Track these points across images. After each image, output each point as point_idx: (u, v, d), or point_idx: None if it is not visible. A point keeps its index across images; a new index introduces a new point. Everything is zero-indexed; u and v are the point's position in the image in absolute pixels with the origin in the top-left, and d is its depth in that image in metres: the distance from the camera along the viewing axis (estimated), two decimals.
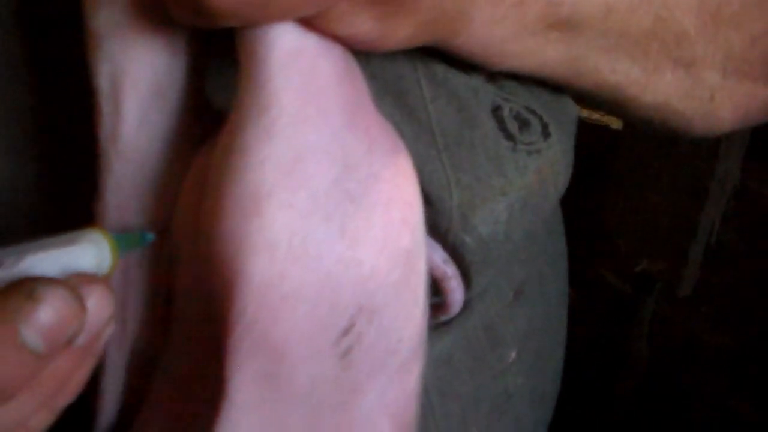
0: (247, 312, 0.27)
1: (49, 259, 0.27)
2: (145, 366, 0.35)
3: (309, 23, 0.29)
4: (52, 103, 0.39)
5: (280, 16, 0.28)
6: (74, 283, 0.26)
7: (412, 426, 0.33)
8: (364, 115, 0.30)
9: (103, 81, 0.31)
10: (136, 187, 0.32)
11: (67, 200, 0.36)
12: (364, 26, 0.30)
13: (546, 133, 0.42)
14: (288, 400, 0.29)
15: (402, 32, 0.31)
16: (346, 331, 0.29)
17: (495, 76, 0.41)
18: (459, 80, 0.40)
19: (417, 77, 0.39)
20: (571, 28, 0.37)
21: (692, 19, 0.39)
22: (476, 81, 0.41)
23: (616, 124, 1.14)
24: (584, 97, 0.43)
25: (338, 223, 0.28)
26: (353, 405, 0.30)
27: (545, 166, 0.42)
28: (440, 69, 0.39)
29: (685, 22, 0.39)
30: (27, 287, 0.25)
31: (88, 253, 0.29)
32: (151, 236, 0.32)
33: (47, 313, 0.25)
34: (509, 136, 0.41)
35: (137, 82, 0.31)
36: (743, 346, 1.15)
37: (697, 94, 0.42)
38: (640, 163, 1.06)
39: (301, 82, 0.28)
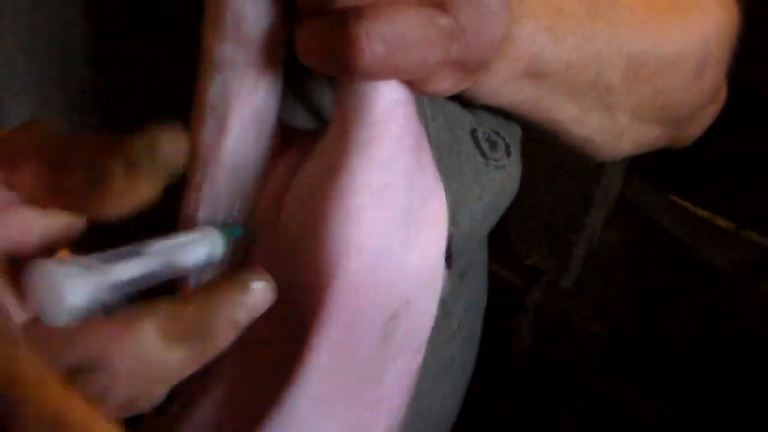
0: (341, 298, 0.33)
1: (185, 250, 0.33)
2: None
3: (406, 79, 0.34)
4: (118, 103, 0.43)
5: (397, 77, 0.33)
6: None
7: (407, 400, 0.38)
8: (422, 149, 0.35)
9: (213, 98, 0.35)
10: (228, 188, 0.36)
11: None
12: (446, 85, 0.35)
13: (508, 152, 0.50)
14: (345, 366, 0.34)
15: (464, 86, 0.36)
16: (393, 317, 0.34)
17: (469, 105, 0.48)
18: (449, 106, 0.47)
19: (422, 101, 0.45)
20: (541, 77, 0.43)
21: (619, 76, 0.46)
22: (457, 108, 0.48)
23: None
24: (528, 126, 0.51)
25: (404, 234, 0.34)
26: (382, 377, 0.36)
27: (507, 179, 0.50)
28: (438, 97, 0.45)
29: (614, 78, 0.46)
30: (243, 279, 0.31)
31: (218, 242, 0.34)
32: (239, 231, 0.36)
33: (255, 302, 0.31)
34: (483, 154, 0.48)
35: (244, 105, 0.35)
36: (614, 333, 1.24)
37: (611, 130, 0.50)
38: (537, 172, 1.09)
39: (397, 126, 0.33)
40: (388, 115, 0.33)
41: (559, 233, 1.18)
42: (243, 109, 0.35)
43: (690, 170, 1.16)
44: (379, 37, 0.30)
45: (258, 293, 0.31)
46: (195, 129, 0.36)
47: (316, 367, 0.33)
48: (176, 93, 0.38)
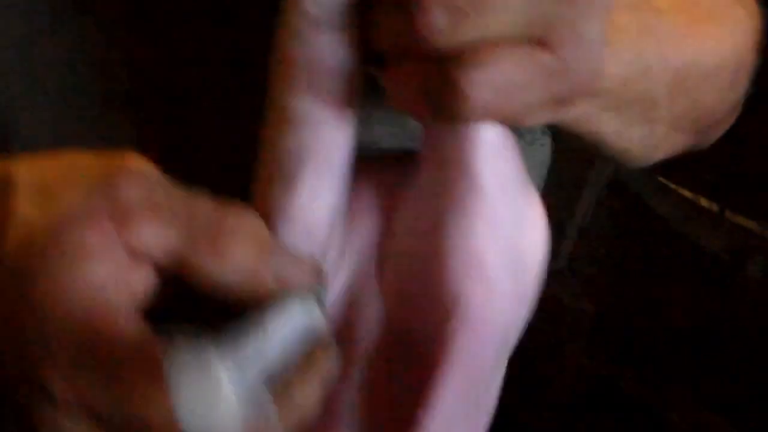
0: (464, 339, 0.34)
1: (292, 327, 0.32)
2: None
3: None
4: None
5: (500, 119, 0.32)
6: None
7: None
8: (521, 182, 0.36)
9: (284, 154, 0.34)
10: (304, 245, 0.35)
11: None
12: (543, 119, 0.34)
13: (544, 131, 0.50)
14: (468, 393, 0.35)
15: (559, 118, 0.36)
16: (505, 342, 0.36)
17: None
18: None
19: None
20: (595, 93, 0.42)
21: (664, 89, 0.44)
22: None
23: None
24: (565, 137, 0.48)
25: (513, 267, 0.35)
26: (494, 385, 0.37)
27: (538, 155, 0.50)
28: None
29: (659, 92, 0.44)
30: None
31: (315, 312, 0.34)
32: (325, 290, 0.35)
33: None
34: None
35: (318, 159, 0.34)
36: (603, 312, 1.26)
37: (648, 143, 0.47)
38: None
39: (500, 168, 0.34)
40: (493, 158, 0.33)
41: (551, 214, 1.15)
42: (317, 163, 0.34)
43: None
44: (486, 84, 0.29)
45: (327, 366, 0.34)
46: (264, 186, 0.35)
47: (451, 379, 0.34)
48: (200, 105, 0.38)
